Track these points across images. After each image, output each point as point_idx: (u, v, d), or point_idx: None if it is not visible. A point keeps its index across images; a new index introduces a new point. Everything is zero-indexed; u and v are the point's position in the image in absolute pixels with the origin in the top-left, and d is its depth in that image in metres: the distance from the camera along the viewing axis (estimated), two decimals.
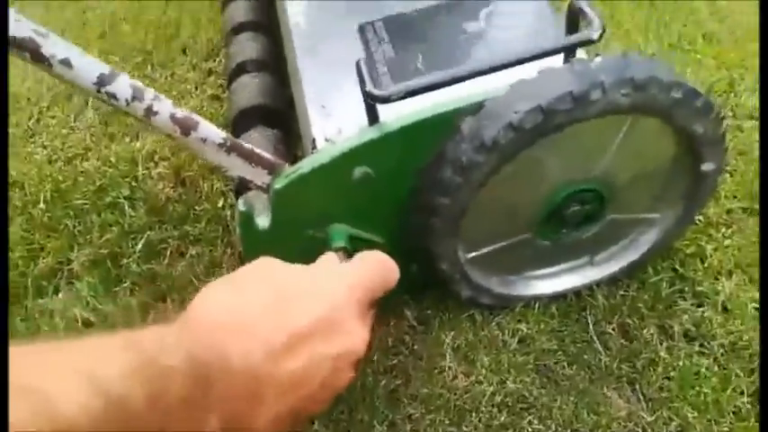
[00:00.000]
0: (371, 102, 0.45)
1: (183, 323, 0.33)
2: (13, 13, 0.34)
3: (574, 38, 0.46)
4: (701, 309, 0.63)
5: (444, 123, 0.48)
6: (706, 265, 0.66)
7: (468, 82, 0.46)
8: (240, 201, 0.52)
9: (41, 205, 0.80)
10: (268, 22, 0.82)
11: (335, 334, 0.34)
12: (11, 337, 0.62)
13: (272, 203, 0.51)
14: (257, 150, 0.49)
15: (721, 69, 0.84)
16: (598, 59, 0.46)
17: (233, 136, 0.65)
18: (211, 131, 0.45)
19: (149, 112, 0.40)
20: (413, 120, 0.47)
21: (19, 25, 0.34)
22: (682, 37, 0.91)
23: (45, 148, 0.87)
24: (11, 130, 0.89)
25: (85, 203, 0.80)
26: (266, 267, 0.38)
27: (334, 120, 0.54)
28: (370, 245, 0.55)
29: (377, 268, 0.40)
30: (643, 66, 0.46)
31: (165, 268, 0.72)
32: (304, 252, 0.54)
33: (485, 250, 0.58)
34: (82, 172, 0.84)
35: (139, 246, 0.74)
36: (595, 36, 0.45)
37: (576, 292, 0.64)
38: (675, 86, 0.46)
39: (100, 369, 0.26)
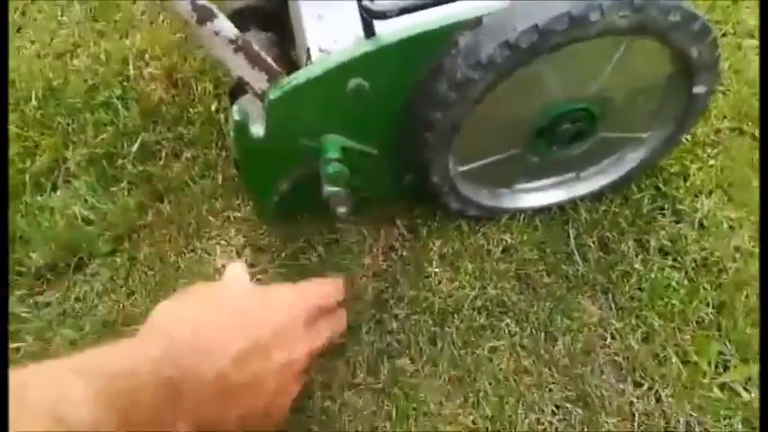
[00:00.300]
0: (368, 16, 0.44)
1: (148, 337, 0.36)
2: None
3: None
4: (678, 225, 0.66)
5: (442, 38, 0.48)
6: (688, 183, 0.69)
7: None
8: (235, 108, 0.53)
9: (33, 102, 0.80)
10: None
11: (281, 347, 0.40)
12: (17, 232, 0.64)
13: (267, 113, 0.51)
14: (263, 54, 0.49)
15: None
16: None
17: None
18: (226, 26, 0.45)
19: None
20: (409, 33, 0.47)
21: None
22: None
23: (33, 42, 0.86)
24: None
25: (78, 102, 0.79)
26: (220, 287, 0.43)
27: (330, 29, 0.54)
28: (363, 155, 0.56)
29: (313, 287, 0.48)
30: None
31: (160, 169, 0.74)
32: (296, 159, 0.56)
33: (476, 164, 0.59)
34: (73, 69, 0.83)
35: (134, 147, 0.75)
36: None
37: (561, 206, 0.67)
38: (674, 9, 0.46)
39: (62, 405, 0.28)
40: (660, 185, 0.68)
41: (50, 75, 0.82)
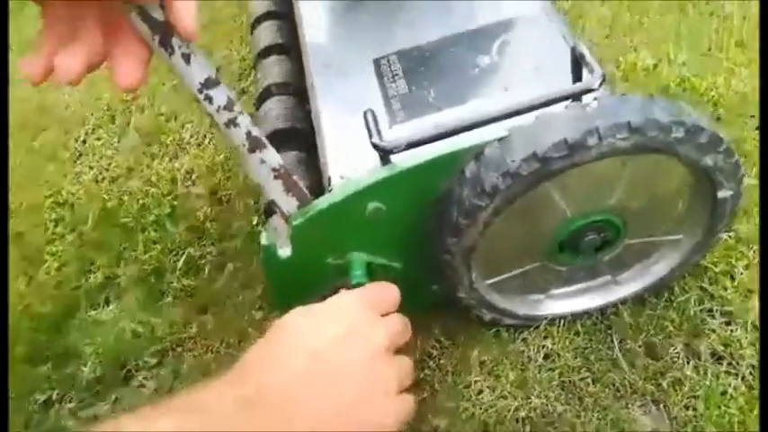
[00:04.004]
0: (377, 152, 0.49)
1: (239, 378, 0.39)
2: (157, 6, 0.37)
3: (574, 87, 0.50)
4: (729, 327, 0.66)
5: (450, 163, 0.53)
6: (736, 283, 0.68)
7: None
8: (263, 234, 0.57)
9: (90, 224, 0.87)
10: (293, 44, 0.86)
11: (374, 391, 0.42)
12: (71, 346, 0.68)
13: (292, 236, 0.55)
14: (298, 182, 0.53)
15: (755, 77, 0.85)
16: (594, 104, 0.50)
17: None
18: (272, 155, 0.50)
19: (232, 122, 0.45)
20: (420, 161, 0.51)
21: (161, 12, 0.37)
22: (713, 44, 0.92)
23: (92, 168, 0.95)
24: (61, 153, 0.97)
25: (130, 222, 0.86)
26: (300, 332, 0.45)
27: (350, 158, 0.59)
28: (388, 269, 0.59)
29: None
30: (640, 108, 0.50)
31: (204, 283, 0.78)
32: (324, 277, 0.59)
33: (500, 278, 0.61)
34: (126, 191, 0.90)
35: (180, 263, 0.79)
36: (596, 85, 0.48)
37: (602, 310, 0.67)
38: (675, 126, 0.49)
39: None
40: (706, 285, 0.68)
41: (105, 197, 0.90)
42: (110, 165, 0.95)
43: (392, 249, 0.59)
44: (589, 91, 0.50)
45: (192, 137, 0.97)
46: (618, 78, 0.91)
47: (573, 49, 0.53)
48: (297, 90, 0.79)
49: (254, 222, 0.84)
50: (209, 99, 0.43)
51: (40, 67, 0.35)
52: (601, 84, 0.50)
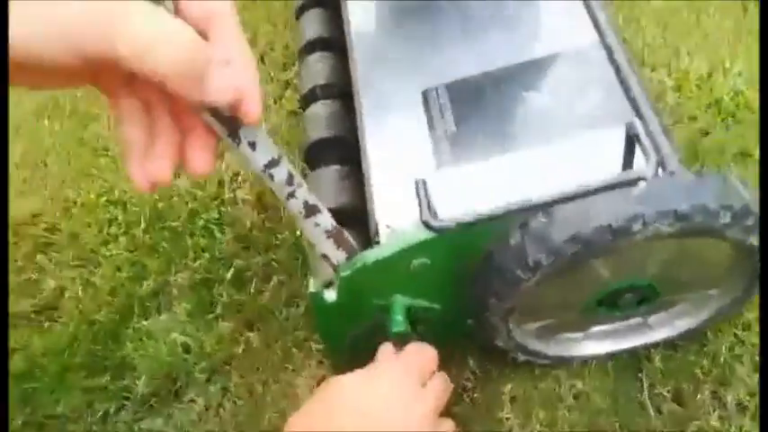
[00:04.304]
0: (428, 230, 0.50)
1: None
2: None
3: (624, 175, 0.49)
4: (756, 376, 0.66)
5: (496, 226, 0.54)
6: None
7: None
8: (311, 281, 0.60)
9: (142, 225, 0.91)
10: (339, 36, 0.85)
11: None
12: (126, 357, 0.74)
13: (338, 285, 0.58)
14: (348, 237, 0.55)
15: None
16: (641, 186, 0.49)
17: (307, 166, 0.73)
18: (326, 219, 0.52)
19: (291, 195, 0.48)
20: (466, 221, 0.52)
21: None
22: None
23: None
24: (112, 146, 0.99)
25: (179, 226, 0.89)
26: (346, 403, 0.49)
27: (398, 202, 0.60)
28: (428, 310, 0.62)
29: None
30: (688, 192, 0.49)
31: (251, 297, 0.82)
32: (367, 316, 0.62)
33: (536, 325, 0.63)
34: (175, 191, 0.93)
35: (229, 275, 0.83)
36: (649, 174, 0.47)
37: (633, 352, 0.69)
38: (723, 211, 0.49)
39: None
40: (739, 332, 0.69)
41: (156, 197, 0.93)
42: None
43: (433, 293, 0.62)
44: (641, 180, 0.49)
45: None
46: (669, 88, 0.88)
47: (628, 128, 0.52)
48: (342, 91, 0.79)
49: (298, 233, 0.86)
50: (272, 177, 0.46)
51: (144, 178, 0.37)
52: (655, 173, 0.49)
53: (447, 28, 0.74)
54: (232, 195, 0.92)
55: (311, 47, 0.87)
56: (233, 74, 0.35)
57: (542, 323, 0.65)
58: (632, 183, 0.50)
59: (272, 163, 0.45)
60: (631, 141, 0.53)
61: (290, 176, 0.47)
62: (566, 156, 0.59)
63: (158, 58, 0.30)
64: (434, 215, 0.51)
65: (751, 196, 0.51)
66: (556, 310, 0.63)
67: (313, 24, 0.89)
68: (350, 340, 0.68)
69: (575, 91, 0.64)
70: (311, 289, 0.60)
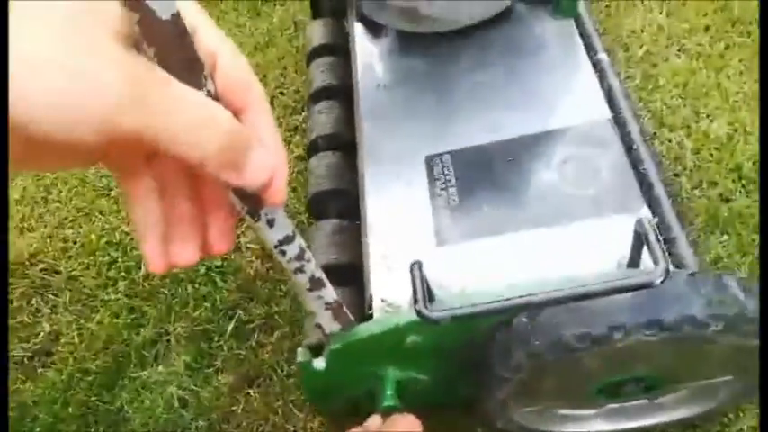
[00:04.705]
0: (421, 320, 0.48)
1: None
2: None
3: (632, 280, 0.46)
4: None
5: (488, 320, 0.52)
6: None
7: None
8: (300, 351, 0.58)
9: (143, 270, 0.88)
10: (347, 82, 0.84)
11: None
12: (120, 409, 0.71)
13: (328, 356, 0.56)
14: (346, 311, 0.54)
15: None
16: (627, 296, 0.47)
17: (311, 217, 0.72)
18: (329, 293, 0.51)
19: (299, 270, 0.46)
20: (460, 314, 0.50)
21: None
22: None
23: None
24: (116, 191, 0.97)
25: (181, 272, 0.87)
26: None
27: (394, 274, 0.58)
28: (419, 381, 0.60)
29: None
30: (676, 302, 0.47)
31: (251, 352, 0.80)
32: (356, 386, 0.60)
33: (537, 408, 0.61)
34: None
35: (230, 327, 0.81)
36: (657, 281, 0.45)
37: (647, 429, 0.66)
38: (714, 321, 0.46)
39: None
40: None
41: None
42: None
43: (425, 366, 0.60)
44: (650, 286, 0.47)
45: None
46: (689, 150, 0.86)
47: (638, 225, 0.49)
48: (347, 142, 0.78)
49: None
50: (283, 253, 0.44)
51: (164, 261, 0.35)
52: (663, 281, 0.46)
53: (457, 93, 0.72)
54: (236, 242, 0.90)
55: (318, 95, 0.85)
56: (268, 156, 0.34)
57: (543, 406, 0.62)
58: (642, 288, 0.48)
59: (286, 240, 0.43)
60: (639, 239, 0.51)
61: (301, 252, 0.45)
62: (570, 241, 0.57)
63: (200, 142, 0.28)
64: (428, 305, 0.49)
65: (751, 301, 0.48)
66: (554, 397, 0.61)
67: (322, 72, 0.88)
68: (339, 401, 0.66)
69: (585, 170, 0.62)
70: (299, 358, 0.59)
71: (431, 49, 0.77)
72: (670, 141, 0.87)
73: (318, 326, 0.55)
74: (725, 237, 0.78)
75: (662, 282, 0.44)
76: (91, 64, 0.25)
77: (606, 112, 0.66)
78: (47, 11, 0.25)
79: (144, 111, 0.27)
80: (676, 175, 0.84)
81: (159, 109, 0.27)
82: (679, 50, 0.97)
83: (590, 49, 0.74)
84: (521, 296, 0.47)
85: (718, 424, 0.66)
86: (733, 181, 0.82)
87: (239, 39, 1.16)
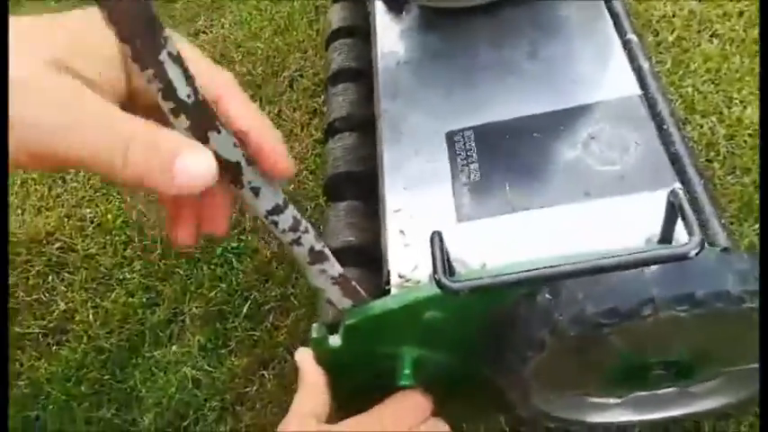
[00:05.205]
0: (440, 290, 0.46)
1: None
2: (232, 139, 0.36)
3: (665, 251, 0.43)
4: None
5: (511, 292, 0.49)
6: None
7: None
8: (314, 326, 0.56)
9: (159, 251, 0.88)
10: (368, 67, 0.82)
11: None
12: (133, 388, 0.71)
13: (343, 333, 0.54)
14: (356, 285, 0.52)
15: None
16: (657, 270, 0.44)
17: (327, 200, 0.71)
18: (334, 266, 0.49)
19: (295, 242, 0.44)
20: (480, 284, 0.47)
21: (235, 151, 0.36)
22: None
23: None
24: None
25: (197, 253, 0.86)
26: None
27: (412, 250, 0.56)
28: (438, 365, 0.58)
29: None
30: (709, 275, 0.44)
31: (266, 334, 0.78)
32: (372, 362, 0.59)
33: (561, 395, 0.58)
34: None
35: (245, 309, 0.80)
36: (692, 253, 0.42)
37: (677, 420, 0.63)
38: (749, 296, 0.43)
39: None
40: None
41: None
42: None
43: (445, 345, 0.57)
44: (684, 258, 0.44)
45: None
46: (722, 136, 0.84)
47: (671, 196, 0.47)
48: (365, 122, 0.76)
49: None
50: (275, 223, 0.42)
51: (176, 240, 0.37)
52: (698, 252, 0.44)
53: (481, 70, 0.70)
54: (251, 224, 0.89)
55: (336, 78, 0.84)
56: (200, 159, 0.32)
57: (569, 392, 0.60)
58: (676, 260, 0.45)
59: (276, 209, 0.41)
60: (673, 212, 0.48)
61: (296, 222, 0.43)
62: (597, 218, 0.54)
63: (107, 160, 0.29)
64: (448, 274, 0.47)
65: None
66: (580, 382, 0.58)
67: (339, 54, 0.87)
68: (349, 386, 0.64)
69: (613, 147, 0.59)
70: (314, 334, 0.57)
71: (454, 26, 0.75)
72: (701, 127, 0.85)
73: (329, 302, 0.54)
74: (758, 225, 0.75)
75: (697, 254, 0.42)
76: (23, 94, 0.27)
77: (636, 89, 0.63)
78: None
79: (67, 134, 0.27)
80: (709, 161, 0.81)
81: (78, 132, 0.28)
82: (711, 36, 0.94)
83: (619, 29, 0.72)
84: (544, 267, 0.45)
85: (752, 415, 0.64)
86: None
87: (259, 23, 1.15)
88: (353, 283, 0.52)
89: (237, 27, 1.16)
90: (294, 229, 0.43)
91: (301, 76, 1.05)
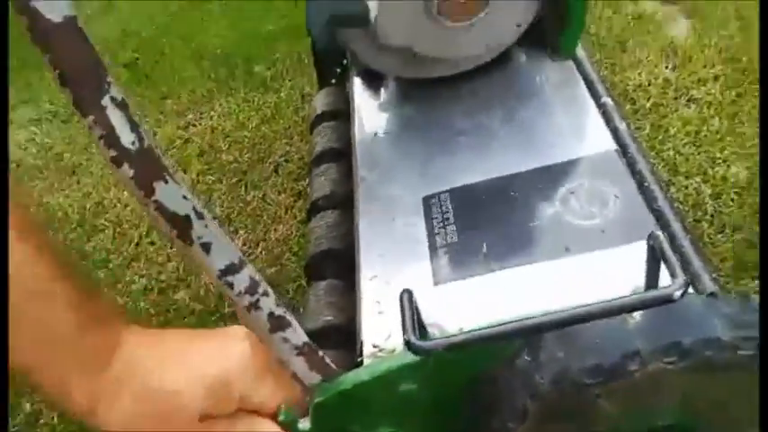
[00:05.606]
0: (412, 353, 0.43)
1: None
2: (181, 190, 0.34)
3: (649, 296, 0.40)
4: None
5: (488, 352, 0.46)
6: None
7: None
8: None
9: None
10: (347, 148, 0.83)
11: None
12: None
13: (312, 412, 0.50)
14: (324, 356, 0.48)
15: None
16: (636, 316, 0.41)
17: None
18: (297, 335, 0.45)
19: (253, 306, 0.40)
20: (452, 342, 0.44)
21: (184, 203, 0.34)
22: None
23: (142, 276, 0.93)
24: (114, 258, 0.96)
25: None
26: None
27: (386, 317, 0.54)
28: None
29: None
30: (696, 321, 0.41)
31: None
32: None
33: None
34: (173, 305, 0.87)
35: None
36: (677, 295, 0.39)
37: None
38: (743, 342, 0.40)
39: None
40: None
41: (152, 311, 0.88)
42: (159, 274, 0.93)
43: (423, 421, 0.53)
44: (668, 301, 0.41)
45: (244, 245, 0.94)
46: (708, 195, 0.82)
47: (651, 239, 0.45)
48: (345, 200, 0.75)
49: None
50: (230, 285, 0.39)
51: None
52: (683, 295, 0.41)
53: (457, 136, 0.70)
54: (231, 309, 0.86)
55: (319, 159, 0.84)
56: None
57: None
58: (662, 303, 0.42)
59: (231, 269, 0.37)
60: (654, 256, 0.45)
61: (254, 283, 0.39)
62: (579, 273, 0.52)
63: None
64: (418, 335, 0.44)
65: None
66: None
67: (323, 137, 0.88)
68: None
69: (592, 201, 0.58)
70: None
71: (430, 96, 0.76)
72: (686, 188, 0.83)
73: (295, 377, 0.50)
74: (756, 282, 0.72)
75: (681, 295, 0.39)
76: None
77: (613, 144, 0.62)
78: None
79: None
80: (697, 220, 0.79)
81: None
82: (688, 100, 0.95)
83: (594, 92, 0.72)
84: (520, 320, 0.42)
85: None
86: (758, 224, 0.77)
87: (247, 113, 1.17)
88: (321, 353, 0.49)
89: (226, 118, 1.18)
90: (252, 291, 0.39)
91: (287, 161, 1.06)
